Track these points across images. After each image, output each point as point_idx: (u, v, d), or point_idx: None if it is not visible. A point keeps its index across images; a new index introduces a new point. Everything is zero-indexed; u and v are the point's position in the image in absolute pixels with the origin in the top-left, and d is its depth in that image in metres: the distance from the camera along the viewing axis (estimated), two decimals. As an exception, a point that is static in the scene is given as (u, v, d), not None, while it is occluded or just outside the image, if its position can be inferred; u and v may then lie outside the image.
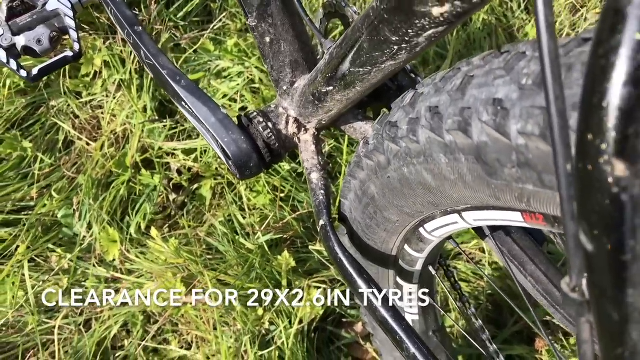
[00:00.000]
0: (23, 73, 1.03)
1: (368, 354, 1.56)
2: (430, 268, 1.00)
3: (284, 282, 1.52)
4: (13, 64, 1.03)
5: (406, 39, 0.58)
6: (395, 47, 0.61)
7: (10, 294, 1.55)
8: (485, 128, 0.48)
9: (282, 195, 1.60)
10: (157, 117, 1.65)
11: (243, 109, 1.68)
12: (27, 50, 1.05)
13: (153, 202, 1.61)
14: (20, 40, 1.04)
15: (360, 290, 0.87)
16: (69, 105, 1.74)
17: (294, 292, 1.51)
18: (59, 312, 1.55)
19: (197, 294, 1.49)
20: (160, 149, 1.67)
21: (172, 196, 1.65)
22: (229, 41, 1.74)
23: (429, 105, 0.58)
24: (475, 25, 1.84)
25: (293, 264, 1.51)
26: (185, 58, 1.76)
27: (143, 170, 1.64)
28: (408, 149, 0.63)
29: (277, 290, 1.50)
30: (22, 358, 1.52)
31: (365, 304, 0.86)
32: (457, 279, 1.20)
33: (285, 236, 1.57)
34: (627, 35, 0.30)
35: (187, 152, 1.67)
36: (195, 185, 1.67)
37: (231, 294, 1.45)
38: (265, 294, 1.47)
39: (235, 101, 1.66)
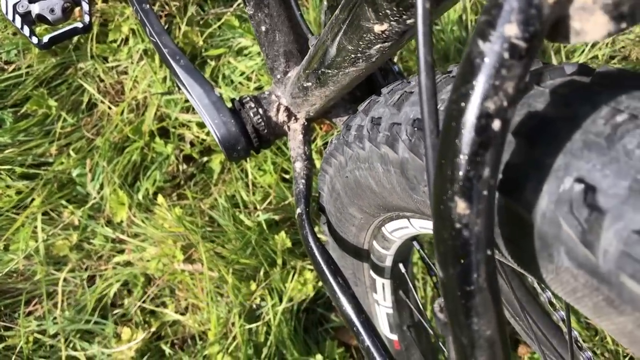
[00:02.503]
0: (34, 40, 1.08)
1: (354, 339, 1.59)
2: (401, 266, 1.02)
3: (279, 261, 1.57)
4: (26, 30, 1.07)
5: (359, 49, 0.60)
6: (352, 56, 0.63)
7: (23, 243, 1.64)
8: (406, 146, 0.50)
9: (287, 176, 1.63)
10: (172, 91, 1.69)
11: (258, 88, 1.71)
12: (41, 18, 1.09)
13: (163, 170, 1.67)
14: (35, 8, 1.08)
15: (325, 279, 0.90)
16: (95, 68, 1.81)
17: (287, 271, 1.56)
18: (66, 265, 1.63)
19: (193, 262, 1.55)
20: (176, 119, 1.72)
21: (183, 166, 1.70)
22: (253, 20, 1.77)
23: (372, 115, 0.60)
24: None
25: (289, 244, 1.55)
26: (210, 33, 1.80)
27: (157, 139, 1.70)
28: (357, 154, 0.65)
29: (272, 268, 1.54)
30: (27, 304, 1.61)
31: (329, 293, 0.89)
32: (435, 280, 1.22)
33: (284, 217, 1.61)
34: (478, 85, 0.32)
35: (201, 125, 1.71)
36: (206, 158, 1.71)
37: (226, 266, 1.51)
38: (259, 270, 1.52)
39: (251, 80, 1.70)
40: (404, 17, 0.49)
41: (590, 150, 0.34)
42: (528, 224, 0.37)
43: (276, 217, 1.60)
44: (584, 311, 0.36)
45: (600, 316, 0.34)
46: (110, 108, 1.77)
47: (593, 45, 1.83)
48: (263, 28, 0.98)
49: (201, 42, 1.79)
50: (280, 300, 1.53)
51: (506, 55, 0.31)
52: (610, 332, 0.34)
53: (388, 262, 1.00)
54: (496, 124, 0.32)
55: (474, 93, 0.32)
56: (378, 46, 0.57)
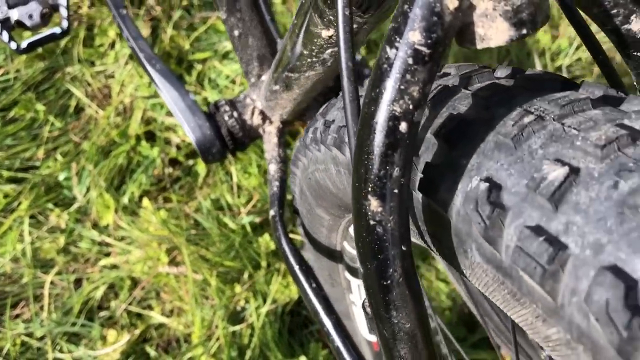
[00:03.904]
0: (13, 45, 1.10)
1: (337, 341, 1.60)
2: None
3: (263, 264, 1.58)
4: (5, 36, 1.09)
5: (313, 54, 0.62)
6: (309, 60, 0.65)
7: (10, 246, 1.65)
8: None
9: (271, 179, 1.65)
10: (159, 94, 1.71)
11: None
12: (20, 23, 1.11)
13: (149, 173, 1.68)
14: (14, 14, 1.10)
15: (297, 280, 0.92)
16: (83, 73, 1.83)
17: (271, 274, 1.57)
18: (53, 268, 1.65)
19: (178, 265, 1.56)
20: (162, 123, 1.74)
21: (168, 170, 1.72)
22: (238, 24, 1.78)
23: (326, 118, 0.62)
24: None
25: (273, 247, 1.56)
26: (196, 37, 1.82)
27: (143, 142, 1.71)
28: (315, 156, 0.67)
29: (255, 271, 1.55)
30: (15, 307, 1.62)
31: (302, 293, 0.91)
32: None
33: (268, 219, 1.62)
34: (385, 89, 0.33)
35: (187, 128, 1.72)
36: (192, 161, 1.73)
37: (209, 269, 1.52)
38: (243, 273, 1.53)
39: (236, 83, 1.71)
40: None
41: (500, 150, 0.35)
42: (446, 222, 0.38)
43: (260, 220, 1.61)
44: (498, 304, 0.37)
45: (509, 309, 0.35)
46: (97, 112, 1.79)
47: (577, 48, 1.84)
48: (236, 32, 1.00)
49: (187, 46, 1.81)
50: (265, 302, 1.54)
51: (410, 60, 0.32)
52: (519, 324, 0.36)
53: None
54: (403, 126, 0.33)
55: (382, 97, 0.33)
56: (329, 51, 0.59)
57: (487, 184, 0.34)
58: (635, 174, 0.29)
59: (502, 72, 0.45)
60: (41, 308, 1.63)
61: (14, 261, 1.64)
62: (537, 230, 0.31)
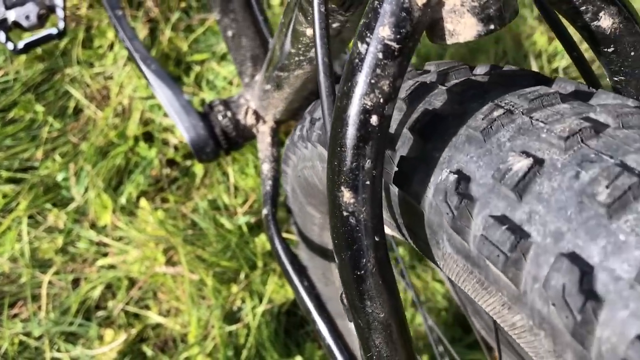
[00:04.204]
0: (10, 45, 1.11)
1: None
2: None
3: (260, 264, 1.59)
4: (2, 36, 1.11)
5: (300, 52, 0.63)
6: (296, 59, 0.66)
7: (9, 246, 1.66)
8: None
9: (268, 180, 1.66)
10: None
11: (240, 93, 1.73)
12: (17, 24, 1.12)
13: (147, 174, 1.70)
14: (11, 15, 1.12)
15: (289, 279, 0.93)
16: (82, 74, 1.84)
17: (267, 274, 1.58)
18: (51, 268, 1.66)
19: (175, 265, 1.57)
20: (160, 124, 1.75)
21: (166, 170, 1.73)
22: (236, 26, 1.80)
23: (313, 116, 0.63)
24: (482, 30, 1.84)
25: (269, 247, 1.57)
26: (195, 38, 1.83)
27: (142, 143, 1.73)
28: (303, 154, 0.68)
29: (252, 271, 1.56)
30: (13, 306, 1.64)
31: (294, 291, 0.91)
32: (407, 281, 1.24)
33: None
34: (357, 83, 0.34)
35: (184, 129, 1.73)
36: (189, 162, 1.74)
37: (206, 269, 1.53)
38: (239, 273, 1.54)
39: (233, 84, 1.72)
40: (329, 20, 0.51)
41: (470, 143, 0.36)
42: (420, 214, 0.39)
43: (256, 220, 1.62)
44: (469, 294, 0.38)
45: (479, 298, 0.36)
46: (96, 113, 1.80)
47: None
48: (229, 33, 1.01)
49: (186, 48, 1.82)
50: (261, 302, 1.55)
51: (380, 55, 0.33)
52: (490, 313, 0.36)
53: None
54: (374, 119, 0.34)
55: (354, 91, 0.34)
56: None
57: (456, 176, 0.35)
58: (596, 164, 0.30)
59: (480, 70, 0.46)
60: (39, 308, 1.64)
61: (13, 261, 1.66)
62: (502, 219, 0.31)
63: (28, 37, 1.12)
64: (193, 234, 1.61)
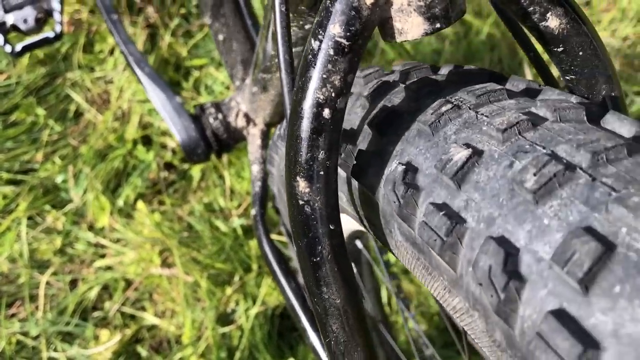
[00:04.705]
0: (8, 48, 1.14)
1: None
2: (353, 265, 1.05)
3: (254, 267, 1.60)
4: (0, 39, 1.13)
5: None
6: (276, 60, 0.68)
7: (8, 246, 1.69)
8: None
9: (264, 183, 1.68)
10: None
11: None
12: (15, 27, 1.15)
13: (145, 177, 1.72)
14: (10, 19, 1.14)
15: (276, 278, 0.94)
16: (83, 79, 1.87)
17: (262, 276, 1.59)
18: (49, 269, 1.68)
19: (170, 266, 1.59)
20: (158, 127, 1.77)
21: (164, 173, 1.75)
22: (234, 32, 1.82)
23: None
24: (478, 38, 1.86)
25: (263, 249, 1.58)
26: (194, 44, 1.86)
27: (140, 146, 1.75)
28: (283, 152, 0.70)
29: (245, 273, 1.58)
30: (11, 306, 1.66)
31: (281, 291, 0.93)
32: (394, 284, 1.25)
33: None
34: (311, 78, 0.36)
35: (182, 133, 1.76)
36: (187, 165, 1.76)
37: (201, 271, 1.55)
38: (234, 275, 1.56)
39: (230, 89, 1.75)
40: (301, 22, 0.53)
41: (420, 137, 0.38)
42: (375, 204, 0.41)
43: (251, 223, 1.64)
44: (420, 280, 0.40)
45: (427, 283, 0.38)
46: (96, 117, 1.83)
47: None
48: (220, 37, 1.03)
49: (185, 53, 1.85)
50: (255, 304, 1.56)
51: (332, 52, 0.35)
52: (437, 298, 0.38)
53: (339, 262, 1.04)
54: (326, 112, 0.36)
55: (308, 85, 0.36)
56: (294, 50, 0.62)
57: (404, 167, 0.36)
58: (529, 154, 0.32)
59: (442, 70, 0.48)
60: (37, 308, 1.66)
61: (11, 261, 1.68)
62: (441, 207, 0.33)
63: (26, 40, 1.15)
64: (188, 236, 1.63)
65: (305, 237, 0.38)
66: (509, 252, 0.28)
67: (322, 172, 0.37)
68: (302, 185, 0.37)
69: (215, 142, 1.08)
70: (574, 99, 0.37)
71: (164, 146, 1.79)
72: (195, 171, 1.74)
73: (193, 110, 1.13)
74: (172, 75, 1.85)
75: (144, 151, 1.75)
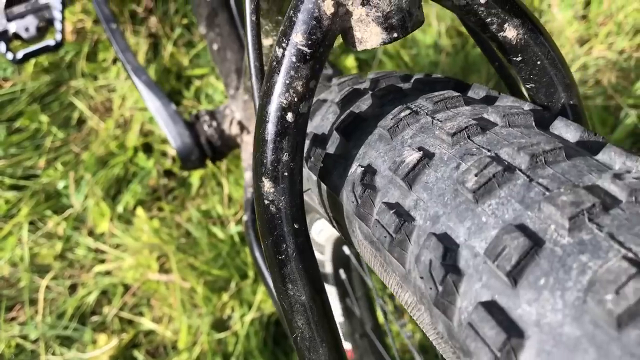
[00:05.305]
0: (9, 55, 1.16)
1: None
2: (342, 272, 1.07)
3: (250, 274, 1.62)
4: (2, 47, 1.16)
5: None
6: (262, 68, 0.70)
7: (9, 251, 1.71)
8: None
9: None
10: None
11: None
12: (17, 36, 1.18)
13: (144, 183, 1.74)
14: (12, 27, 1.18)
15: (266, 283, 0.96)
16: (87, 87, 1.90)
17: (258, 284, 1.61)
18: (49, 273, 1.70)
19: (167, 272, 1.61)
20: (159, 135, 1.80)
21: (163, 181, 1.77)
22: (235, 42, 1.85)
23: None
24: (475, 50, 1.88)
25: (260, 256, 1.60)
26: (195, 53, 1.89)
27: (140, 153, 1.78)
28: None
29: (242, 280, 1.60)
30: (11, 309, 1.68)
31: (270, 296, 0.95)
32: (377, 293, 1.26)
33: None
34: (275, 83, 0.38)
35: (182, 141, 1.78)
36: (186, 173, 1.78)
37: (197, 277, 1.57)
38: (230, 282, 1.58)
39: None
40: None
41: (381, 141, 0.40)
42: (340, 205, 0.43)
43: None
44: (380, 277, 0.41)
45: (384, 280, 0.39)
46: (99, 124, 1.86)
47: (565, 71, 1.88)
48: (215, 46, 1.05)
49: (187, 62, 1.88)
50: (250, 310, 1.58)
51: (294, 59, 0.37)
52: (394, 295, 0.40)
53: (328, 269, 1.06)
54: (290, 116, 0.38)
55: (272, 90, 0.38)
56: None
57: (363, 169, 0.38)
58: (475, 157, 0.34)
59: (414, 78, 0.50)
60: (36, 311, 1.69)
61: (12, 265, 1.70)
62: (393, 206, 0.35)
63: (27, 48, 1.18)
64: (186, 242, 1.65)
65: (270, 235, 0.40)
66: (449, 248, 0.30)
67: (286, 173, 0.39)
68: (267, 185, 0.39)
69: (209, 148, 1.10)
70: (527, 106, 0.39)
71: (164, 154, 1.81)
72: (195, 179, 1.76)
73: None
74: (173, 84, 1.88)
75: (145, 158, 1.77)
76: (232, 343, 1.57)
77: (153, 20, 1.88)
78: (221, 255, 1.60)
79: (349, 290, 1.12)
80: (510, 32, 0.41)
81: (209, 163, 1.16)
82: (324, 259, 1.01)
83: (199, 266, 1.60)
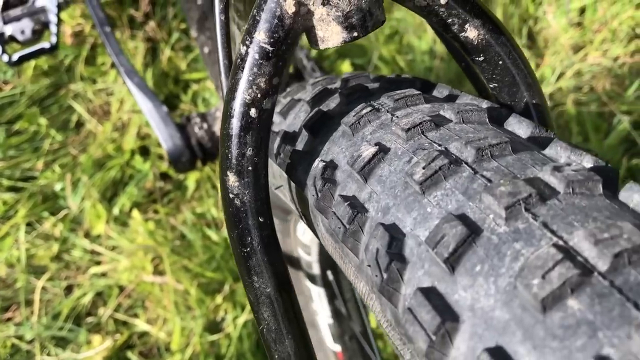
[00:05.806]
0: (5, 57, 1.18)
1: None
2: (329, 273, 1.08)
3: (244, 275, 1.63)
4: (-2, 49, 1.18)
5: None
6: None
7: (6, 252, 1.73)
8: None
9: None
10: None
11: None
12: (12, 38, 1.20)
13: (141, 186, 1.76)
14: (8, 30, 1.19)
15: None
16: (86, 90, 1.92)
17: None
18: (45, 274, 1.72)
19: (161, 274, 1.62)
20: (156, 138, 1.81)
21: (159, 183, 1.79)
22: (232, 47, 1.87)
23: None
24: (471, 56, 1.89)
25: (254, 259, 1.61)
26: (193, 57, 1.91)
27: (137, 156, 1.79)
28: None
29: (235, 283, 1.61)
30: (7, 310, 1.69)
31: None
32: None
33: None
34: (239, 80, 0.39)
35: (178, 144, 1.80)
36: (182, 176, 1.80)
37: (191, 279, 1.58)
38: (223, 284, 1.59)
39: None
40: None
41: (343, 137, 0.41)
42: (306, 199, 0.44)
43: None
44: (341, 269, 0.42)
45: (345, 271, 0.40)
46: (97, 127, 1.88)
47: (559, 77, 1.89)
48: (206, 50, 1.07)
49: (184, 67, 1.90)
50: (243, 312, 1.59)
51: (257, 56, 0.39)
52: (353, 286, 0.41)
53: (316, 270, 1.07)
54: (253, 112, 0.39)
55: (237, 87, 0.39)
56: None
57: (324, 163, 0.40)
58: (426, 151, 0.35)
59: (380, 78, 0.51)
60: (32, 312, 1.70)
61: (9, 266, 1.72)
62: (348, 198, 0.36)
63: (23, 50, 1.20)
64: (180, 244, 1.66)
65: (236, 228, 0.41)
66: (395, 237, 0.31)
67: (250, 168, 0.40)
68: (232, 179, 0.40)
69: (200, 150, 1.11)
70: (484, 104, 0.40)
71: (160, 157, 1.83)
72: (191, 181, 1.78)
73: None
74: (171, 88, 1.90)
75: (141, 161, 1.79)
76: (224, 345, 1.58)
77: (151, 25, 1.90)
78: (215, 257, 1.61)
79: (336, 292, 1.13)
80: (472, 33, 0.42)
81: (206, 166, 1.17)
82: (311, 259, 1.02)
83: (192, 268, 1.62)
